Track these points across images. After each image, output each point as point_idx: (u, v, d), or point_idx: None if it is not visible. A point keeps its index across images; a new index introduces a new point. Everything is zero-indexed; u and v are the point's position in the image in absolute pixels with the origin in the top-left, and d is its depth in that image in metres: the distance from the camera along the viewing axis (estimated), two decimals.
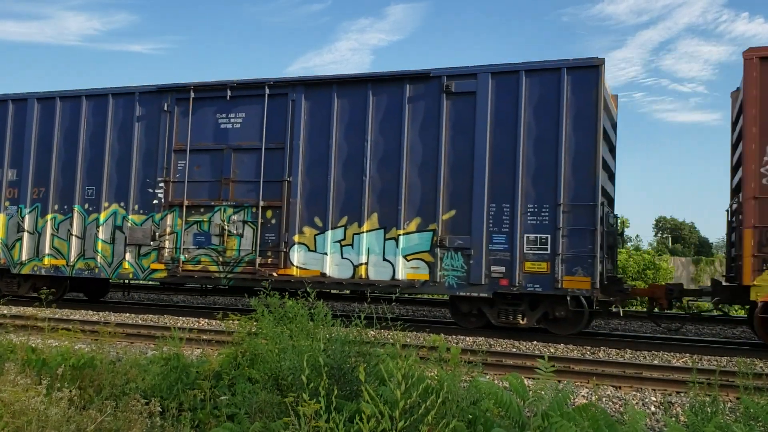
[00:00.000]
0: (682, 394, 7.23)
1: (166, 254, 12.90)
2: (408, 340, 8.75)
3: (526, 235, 10.71)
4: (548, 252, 10.55)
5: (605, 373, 8.11)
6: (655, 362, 9.01)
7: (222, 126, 12.74)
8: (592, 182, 10.42)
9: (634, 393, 7.39)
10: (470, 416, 4.11)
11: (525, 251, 10.69)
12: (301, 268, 11.96)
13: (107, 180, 13.51)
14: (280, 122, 12.31)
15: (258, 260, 12.16)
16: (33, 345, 6.31)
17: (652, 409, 6.74)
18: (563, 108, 10.61)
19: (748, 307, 11.13)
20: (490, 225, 10.92)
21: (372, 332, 5.58)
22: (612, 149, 12.70)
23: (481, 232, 10.93)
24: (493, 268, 10.85)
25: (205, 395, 4.92)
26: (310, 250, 11.94)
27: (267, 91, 12.38)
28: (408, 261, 11.37)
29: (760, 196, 9.53)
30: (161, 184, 13.06)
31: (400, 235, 11.41)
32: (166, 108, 13.13)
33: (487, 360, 8.28)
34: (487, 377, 7.10)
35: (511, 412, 3.83)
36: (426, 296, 16.43)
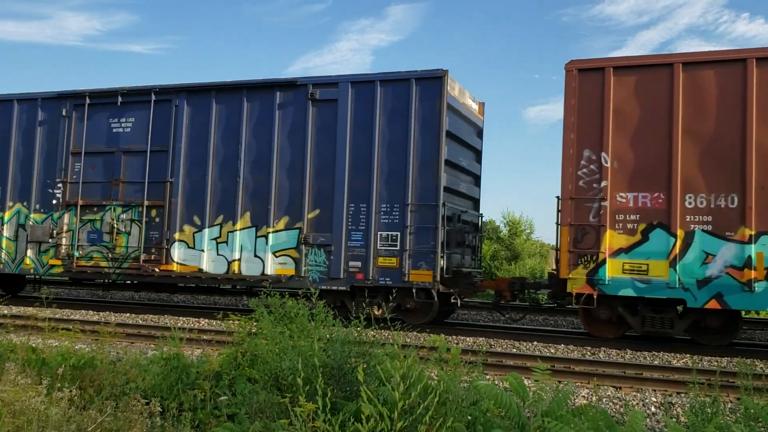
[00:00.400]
0: (683, 395, 7.21)
1: (63, 251, 13.69)
2: (408, 340, 9.24)
3: (379, 233, 11.58)
4: (398, 248, 11.43)
5: (605, 373, 8.11)
6: (655, 362, 9.07)
7: (114, 130, 13.56)
8: (435, 184, 11.31)
9: (634, 393, 7.37)
10: (470, 417, 4.10)
11: (378, 247, 11.56)
12: (181, 264, 12.78)
13: (12, 181, 14.30)
14: (164, 126, 13.13)
15: (142, 257, 12.98)
16: (33, 345, 6.26)
17: (653, 409, 6.72)
18: (412, 115, 11.49)
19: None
20: (349, 223, 11.78)
21: (372, 332, 5.69)
22: (478, 155, 13.59)
23: (341, 230, 11.79)
24: (350, 263, 11.71)
25: (206, 395, 4.93)
26: (189, 247, 12.76)
27: (153, 97, 13.20)
28: (276, 257, 12.21)
29: (576, 197, 10.42)
30: (59, 185, 13.86)
31: (269, 232, 12.25)
32: (65, 113, 13.92)
33: (488, 360, 8.22)
34: (488, 378, 7.25)
35: (511, 413, 3.80)
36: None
